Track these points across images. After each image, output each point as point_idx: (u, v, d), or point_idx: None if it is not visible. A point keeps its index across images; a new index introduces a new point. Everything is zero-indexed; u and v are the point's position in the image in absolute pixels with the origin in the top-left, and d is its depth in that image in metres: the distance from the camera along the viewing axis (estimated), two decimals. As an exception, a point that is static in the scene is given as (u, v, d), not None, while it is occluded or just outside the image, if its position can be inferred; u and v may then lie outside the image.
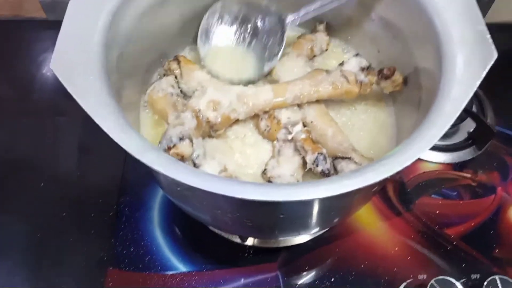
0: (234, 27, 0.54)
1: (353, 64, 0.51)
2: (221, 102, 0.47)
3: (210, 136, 0.49)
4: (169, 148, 0.42)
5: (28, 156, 0.64)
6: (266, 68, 0.53)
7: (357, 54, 0.53)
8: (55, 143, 0.65)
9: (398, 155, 0.35)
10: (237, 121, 0.49)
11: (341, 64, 0.51)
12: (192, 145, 0.44)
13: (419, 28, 0.46)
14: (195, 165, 0.44)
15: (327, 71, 0.50)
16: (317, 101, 0.50)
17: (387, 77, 0.50)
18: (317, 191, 0.32)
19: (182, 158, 0.43)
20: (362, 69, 0.50)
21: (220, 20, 0.54)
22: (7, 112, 0.68)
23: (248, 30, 0.54)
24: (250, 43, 0.54)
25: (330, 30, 0.58)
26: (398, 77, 0.50)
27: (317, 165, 0.45)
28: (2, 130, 0.66)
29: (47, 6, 0.75)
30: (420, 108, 0.46)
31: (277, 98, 0.48)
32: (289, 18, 0.53)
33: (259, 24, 0.54)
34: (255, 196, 0.31)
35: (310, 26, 0.58)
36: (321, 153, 0.45)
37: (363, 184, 0.32)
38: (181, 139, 0.43)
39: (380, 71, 0.50)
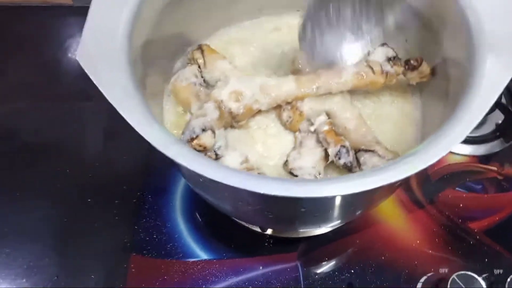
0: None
1: (380, 54, 0.49)
2: (244, 93, 0.47)
3: (232, 127, 0.49)
4: (192, 139, 0.43)
5: (54, 141, 0.65)
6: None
7: (383, 44, 0.52)
8: (81, 128, 0.66)
9: (422, 153, 0.34)
10: (259, 111, 0.49)
11: (367, 54, 0.50)
12: (214, 136, 0.44)
13: (449, 18, 0.45)
14: (217, 155, 0.45)
15: None
16: (341, 91, 0.50)
17: (414, 68, 0.48)
18: (339, 188, 0.32)
19: (204, 149, 0.43)
20: (389, 60, 0.49)
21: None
22: (34, 97, 0.69)
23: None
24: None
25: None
26: (425, 68, 0.48)
27: (339, 158, 0.44)
28: (29, 115, 0.68)
29: (73, -8, 0.76)
30: (448, 100, 0.44)
31: (300, 89, 0.48)
32: None
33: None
34: (278, 192, 0.31)
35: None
36: (344, 146, 0.45)
37: (385, 182, 0.32)
38: (203, 130, 0.43)
39: (407, 62, 0.49)
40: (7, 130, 0.66)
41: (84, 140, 0.65)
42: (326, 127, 0.47)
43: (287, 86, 0.48)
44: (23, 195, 0.60)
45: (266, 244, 0.56)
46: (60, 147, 0.64)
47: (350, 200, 0.39)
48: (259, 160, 0.48)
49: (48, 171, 0.62)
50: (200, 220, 0.58)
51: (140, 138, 0.34)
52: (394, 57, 0.49)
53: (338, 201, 0.38)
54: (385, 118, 0.52)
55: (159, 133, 0.35)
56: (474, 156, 0.63)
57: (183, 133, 0.44)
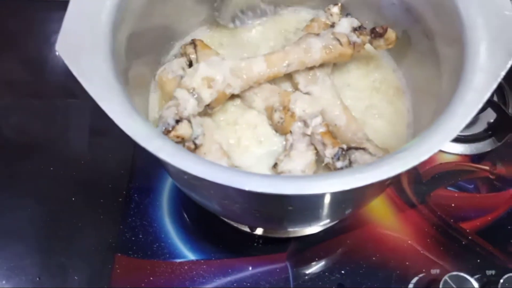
0: None
1: (345, 26, 0.49)
2: (215, 78, 0.45)
3: (206, 114, 0.47)
4: (168, 132, 0.41)
5: (39, 138, 0.63)
6: None
7: (347, 14, 0.51)
8: (66, 126, 0.65)
9: (415, 148, 0.33)
10: (250, 111, 0.48)
11: (332, 26, 0.50)
12: (191, 126, 0.42)
13: (441, 12, 0.44)
14: (195, 145, 0.43)
15: (318, 35, 0.49)
16: (331, 88, 0.48)
17: (380, 35, 0.49)
18: (329, 185, 0.31)
19: (182, 140, 0.42)
20: (354, 30, 0.49)
21: None
22: (19, 94, 0.68)
23: None
24: None
25: (345, 13, 0.55)
26: (391, 35, 0.49)
27: (337, 160, 0.43)
28: (14, 111, 0.66)
29: (59, -14, 0.74)
30: (440, 96, 0.43)
31: (271, 68, 0.47)
32: None
33: None
34: (263, 189, 0.30)
35: (324, 7, 0.56)
36: (342, 148, 0.44)
37: (377, 178, 0.31)
38: (178, 121, 0.41)
39: (373, 30, 0.49)
40: (-12, 127, 0.64)
41: (69, 138, 0.64)
42: (322, 129, 0.46)
43: (257, 67, 0.47)
44: (5, 193, 0.58)
45: (255, 244, 0.55)
46: (44, 145, 0.63)
47: (340, 198, 0.38)
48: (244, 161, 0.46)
49: (31, 169, 0.60)
50: (187, 219, 0.57)
51: (125, 135, 0.33)
52: (359, 27, 0.49)
53: (327, 199, 0.37)
54: (377, 116, 0.51)
55: (141, 126, 0.34)
56: (465, 156, 0.62)
57: (157, 125, 0.42)
